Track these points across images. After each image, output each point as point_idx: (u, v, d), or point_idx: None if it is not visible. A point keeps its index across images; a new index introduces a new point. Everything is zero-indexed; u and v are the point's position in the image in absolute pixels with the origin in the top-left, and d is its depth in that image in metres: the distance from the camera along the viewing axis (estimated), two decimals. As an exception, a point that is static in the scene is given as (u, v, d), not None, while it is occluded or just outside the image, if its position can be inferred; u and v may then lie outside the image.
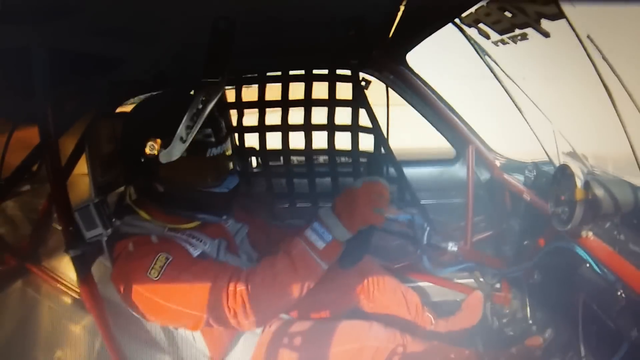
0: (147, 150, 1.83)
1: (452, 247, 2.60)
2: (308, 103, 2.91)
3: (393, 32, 2.28)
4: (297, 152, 3.07)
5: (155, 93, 2.17)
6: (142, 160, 1.86)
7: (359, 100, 2.80)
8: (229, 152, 2.07)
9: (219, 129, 2.00)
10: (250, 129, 3.05)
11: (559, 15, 1.44)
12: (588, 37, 1.44)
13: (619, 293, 1.81)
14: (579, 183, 1.96)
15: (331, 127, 2.93)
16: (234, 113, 3.08)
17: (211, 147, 1.94)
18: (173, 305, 1.74)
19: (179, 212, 2.01)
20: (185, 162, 1.80)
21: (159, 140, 1.81)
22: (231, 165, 2.11)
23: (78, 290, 1.97)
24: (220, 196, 2.04)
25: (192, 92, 2.27)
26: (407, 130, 3.71)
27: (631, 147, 1.57)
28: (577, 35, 1.44)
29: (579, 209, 1.94)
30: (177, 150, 1.71)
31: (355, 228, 1.75)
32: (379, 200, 1.77)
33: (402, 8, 1.88)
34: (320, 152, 3.06)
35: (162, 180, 1.91)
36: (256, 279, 1.71)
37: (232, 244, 2.14)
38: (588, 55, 1.46)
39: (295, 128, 2.98)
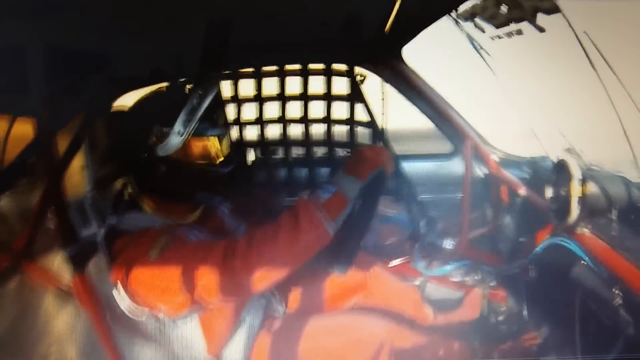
0: (153, 140, 1.85)
1: (448, 244, 2.60)
2: (305, 98, 2.92)
3: (389, 27, 2.28)
4: (295, 143, 3.08)
5: (161, 86, 2.17)
6: (146, 151, 1.87)
7: (355, 95, 2.81)
8: (225, 136, 2.10)
9: (214, 116, 2.06)
10: (248, 123, 3.06)
11: (555, 9, 1.43)
12: (584, 32, 1.44)
13: (614, 290, 1.81)
14: (576, 179, 1.96)
15: (328, 121, 2.93)
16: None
17: (210, 129, 1.99)
18: (169, 281, 1.73)
19: (179, 195, 2.04)
20: (185, 143, 1.84)
21: (165, 130, 1.82)
22: (227, 149, 2.12)
23: (73, 289, 1.96)
24: (218, 176, 2.06)
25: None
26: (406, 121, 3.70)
27: (628, 142, 1.57)
28: (573, 30, 1.44)
29: (575, 205, 1.94)
30: (174, 143, 1.73)
31: (365, 174, 1.76)
32: (384, 157, 1.81)
33: (398, 2, 1.87)
34: (319, 144, 3.07)
35: (163, 160, 1.92)
36: (258, 232, 1.70)
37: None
38: (584, 50, 1.46)
39: (293, 122, 2.99)
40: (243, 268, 1.66)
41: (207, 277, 1.68)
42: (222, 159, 2.07)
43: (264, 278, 1.70)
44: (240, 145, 3.17)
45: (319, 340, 2.13)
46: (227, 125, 2.12)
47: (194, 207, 2.09)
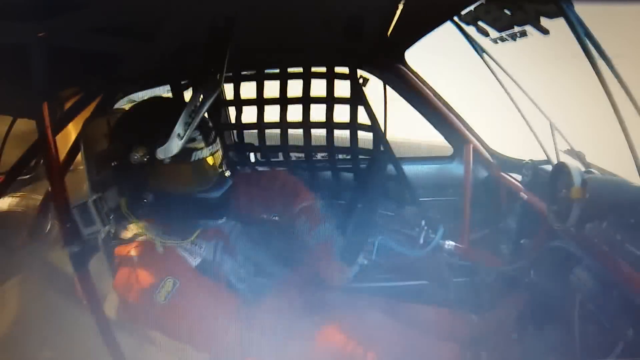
0: (133, 159, 1.82)
1: (449, 245, 2.60)
2: (306, 100, 2.91)
3: (392, 30, 2.28)
4: (296, 148, 3.08)
5: (143, 99, 2.13)
6: (130, 168, 1.84)
7: (357, 98, 2.80)
8: (217, 155, 2.03)
9: (205, 131, 1.96)
10: (249, 126, 3.06)
11: (558, 13, 1.44)
12: (587, 34, 1.45)
13: (614, 293, 1.81)
14: (577, 181, 1.95)
15: (330, 125, 2.93)
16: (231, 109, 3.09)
17: (195, 150, 1.90)
18: (177, 338, 1.86)
19: (175, 223, 1.99)
20: (169, 168, 1.85)
21: (142, 149, 1.81)
22: (220, 167, 2.07)
23: (76, 287, 1.96)
24: (212, 201, 1.99)
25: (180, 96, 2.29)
26: (407, 124, 3.72)
27: (629, 145, 1.57)
28: (576, 33, 1.44)
29: (576, 208, 1.94)
30: (174, 146, 1.72)
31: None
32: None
33: (400, 6, 1.88)
34: (320, 148, 3.07)
35: (151, 190, 1.90)
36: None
37: (227, 244, 2.13)
38: (586, 53, 1.46)
39: (294, 125, 2.99)
40: None
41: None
42: (210, 181, 2.01)
43: None
44: (241, 147, 3.18)
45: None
46: (217, 136, 2.00)
47: (191, 230, 2.02)
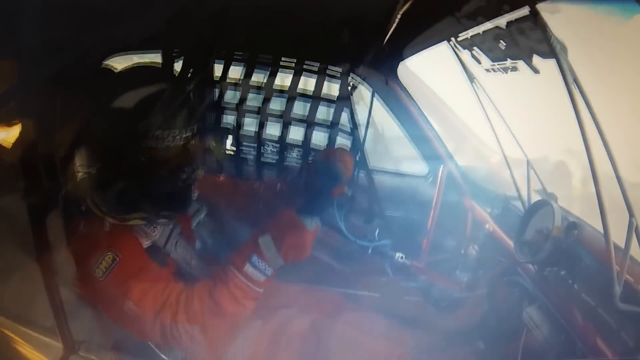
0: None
1: (400, 257, 2.60)
2: (292, 93, 2.89)
3: (387, 40, 2.28)
4: (271, 140, 3.05)
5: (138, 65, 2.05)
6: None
7: (343, 101, 2.79)
8: (193, 140, 1.83)
9: (186, 113, 1.77)
10: (229, 108, 3.02)
11: (550, 54, 1.44)
12: (575, 81, 1.45)
13: (562, 337, 1.83)
14: (559, 221, 1.97)
15: (311, 122, 2.91)
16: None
17: (165, 137, 1.71)
18: (113, 313, 1.80)
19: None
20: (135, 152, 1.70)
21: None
22: (189, 159, 1.86)
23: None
24: (178, 189, 1.86)
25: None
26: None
27: (598, 196, 1.56)
28: (564, 77, 1.44)
29: (550, 245, 1.94)
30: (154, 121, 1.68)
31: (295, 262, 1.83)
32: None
33: (398, 17, 1.87)
34: (295, 145, 3.04)
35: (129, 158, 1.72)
36: (196, 309, 1.74)
37: (186, 228, 2.07)
38: (572, 98, 1.47)
39: (275, 116, 2.96)
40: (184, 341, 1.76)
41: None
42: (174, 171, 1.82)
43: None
44: (218, 130, 3.15)
45: (321, 342, 2.15)
46: (195, 125, 1.83)
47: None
